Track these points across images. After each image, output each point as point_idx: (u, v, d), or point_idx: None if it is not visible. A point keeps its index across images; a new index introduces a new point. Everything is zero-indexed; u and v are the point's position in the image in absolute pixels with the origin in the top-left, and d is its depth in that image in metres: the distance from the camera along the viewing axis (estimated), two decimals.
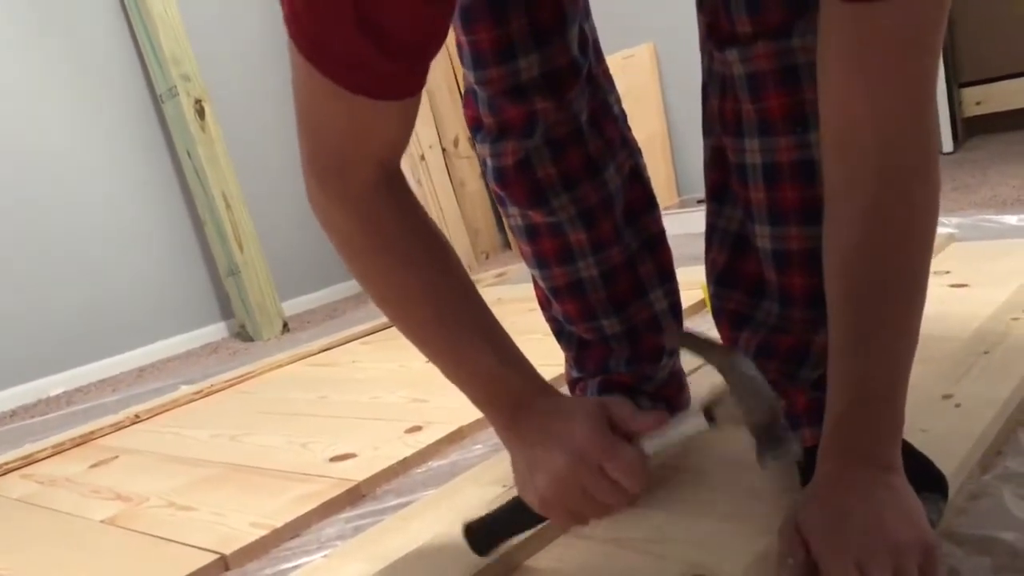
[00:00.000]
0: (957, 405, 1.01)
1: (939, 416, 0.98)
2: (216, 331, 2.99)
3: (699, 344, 0.73)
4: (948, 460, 0.84)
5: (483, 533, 0.85)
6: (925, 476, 0.78)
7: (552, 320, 1.08)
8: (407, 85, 0.66)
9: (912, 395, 0.74)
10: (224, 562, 1.06)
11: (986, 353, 1.16)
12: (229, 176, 2.82)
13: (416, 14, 0.62)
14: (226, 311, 3.00)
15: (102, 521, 1.29)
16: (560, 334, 1.07)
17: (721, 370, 0.70)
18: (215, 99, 2.81)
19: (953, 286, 1.61)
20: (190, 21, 2.79)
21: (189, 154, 2.79)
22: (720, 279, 0.96)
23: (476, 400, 0.78)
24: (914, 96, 0.63)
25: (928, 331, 1.32)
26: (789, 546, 0.69)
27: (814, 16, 0.72)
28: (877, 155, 0.64)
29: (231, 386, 2.03)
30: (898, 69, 0.61)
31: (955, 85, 4.03)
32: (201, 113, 2.75)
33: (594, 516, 0.74)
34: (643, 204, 1.03)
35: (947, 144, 4.04)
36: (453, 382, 0.78)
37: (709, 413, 0.70)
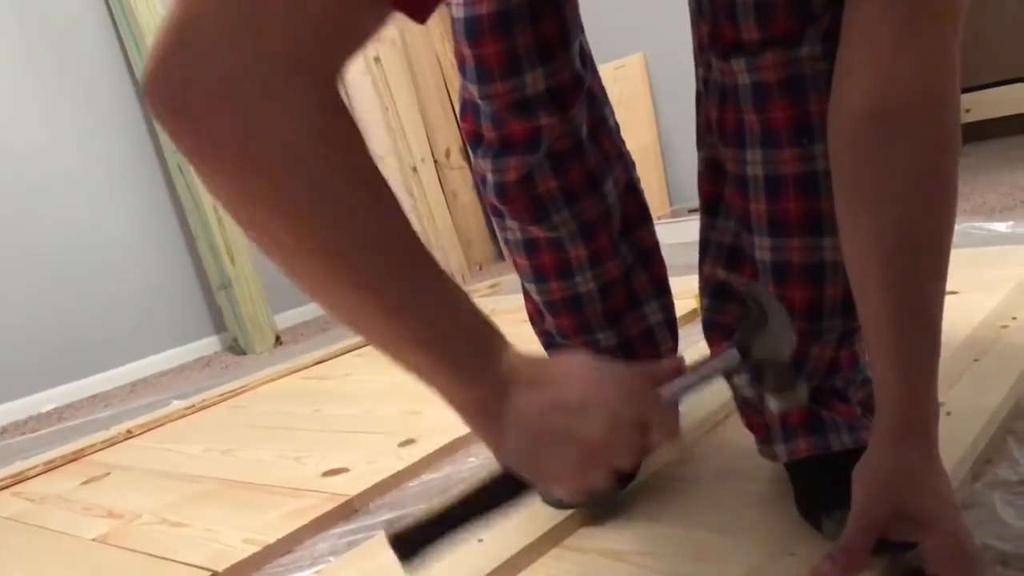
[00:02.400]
0: (948, 413, 1.01)
1: None
2: (209, 345, 2.98)
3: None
4: None
5: (409, 539, 0.70)
6: None
7: (543, 334, 1.07)
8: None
9: None
10: None
11: (976, 361, 1.16)
12: None
13: None
14: (218, 324, 2.99)
15: (94, 539, 1.28)
16: (550, 347, 1.07)
17: (752, 299, 0.72)
18: None
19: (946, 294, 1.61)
20: None
21: (181, 168, 2.79)
22: (714, 292, 0.96)
23: (445, 362, 0.61)
24: (953, 63, 0.67)
25: None
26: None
27: (821, 24, 0.72)
28: (926, 124, 0.68)
29: (224, 400, 2.02)
30: (944, 37, 0.65)
31: None
32: None
33: (606, 482, 0.64)
34: (638, 217, 1.03)
35: None
36: (406, 350, 0.62)
37: (744, 348, 0.71)
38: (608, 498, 0.97)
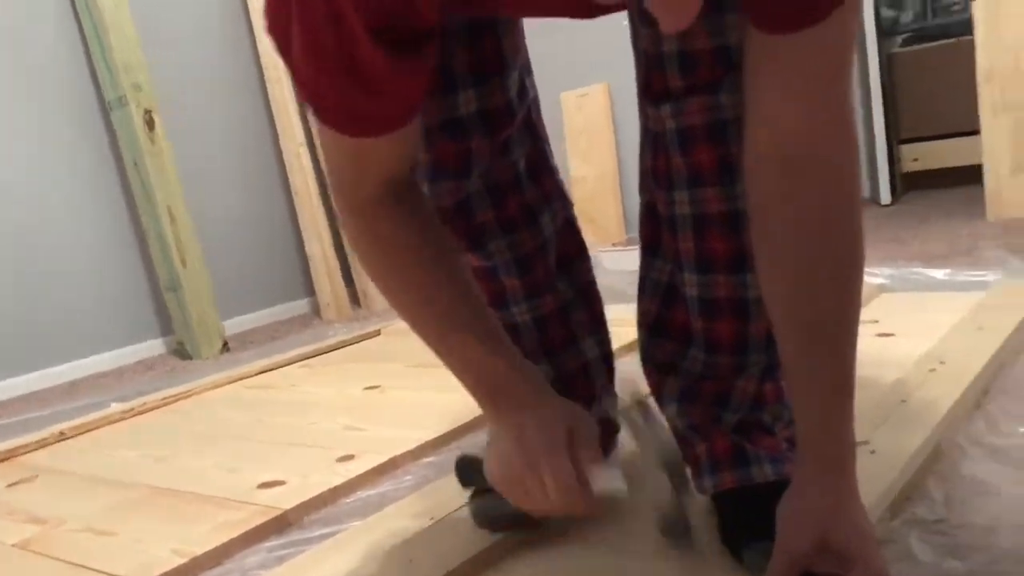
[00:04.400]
0: (872, 451, 1.04)
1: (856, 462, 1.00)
2: (153, 347, 2.93)
3: (636, 424, 0.77)
4: None
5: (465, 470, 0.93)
6: None
7: None
8: (399, 120, 0.73)
9: None
10: None
11: (903, 402, 1.20)
12: (176, 190, 2.79)
13: (392, 67, 0.67)
14: (165, 327, 2.95)
15: (14, 545, 1.25)
16: None
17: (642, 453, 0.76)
18: (165, 111, 2.78)
19: (880, 335, 1.66)
20: (144, 29, 2.77)
21: (136, 165, 2.75)
22: (651, 329, 0.98)
23: (467, 386, 0.83)
24: (840, 108, 0.71)
25: None
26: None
27: (739, 74, 0.75)
28: (822, 171, 0.71)
29: (164, 405, 1.99)
30: (826, 87, 0.69)
31: (895, 141, 4.19)
32: (151, 124, 2.72)
33: (534, 510, 0.78)
34: (576, 253, 1.05)
35: (885, 196, 4.19)
36: (450, 370, 0.83)
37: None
38: (535, 522, 0.98)
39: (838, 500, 0.75)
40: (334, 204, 0.82)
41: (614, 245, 3.13)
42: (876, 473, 0.98)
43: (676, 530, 0.77)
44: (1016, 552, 0.82)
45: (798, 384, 0.76)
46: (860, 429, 1.11)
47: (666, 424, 0.78)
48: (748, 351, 0.91)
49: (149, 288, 2.92)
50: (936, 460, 1.05)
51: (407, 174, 0.80)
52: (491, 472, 0.78)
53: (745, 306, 0.89)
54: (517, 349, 0.83)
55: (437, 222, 0.84)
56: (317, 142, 0.82)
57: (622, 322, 1.27)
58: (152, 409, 1.97)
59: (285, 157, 3.24)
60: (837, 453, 0.76)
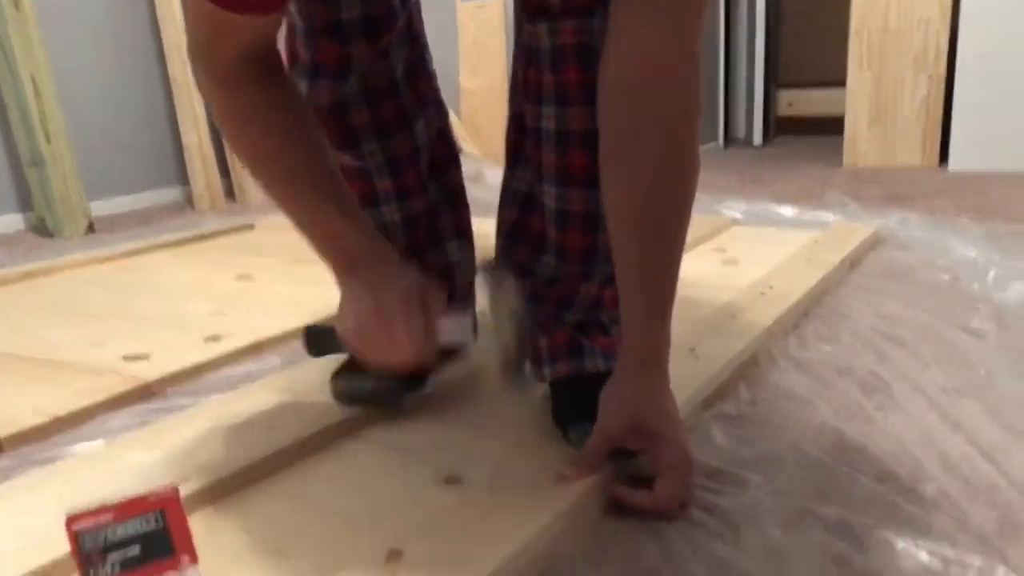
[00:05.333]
0: (696, 357, 1.18)
1: (680, 364, 1.13)
2: (12, 222, 2.80)
3: (493, 279, 0.84)
4: (677, 397, 0.98)
5: (316, 339, 0.96)
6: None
7: None
8: (273, 4, 0.75)
9: None
10: None
11: (733, 318, 1.35)
12: (42, 62, 2.63)
13: None
14: (24, 203, 2.82)
15: None
16: None
17: (492, 305, 0.81)
18: None
19: (725, 262, 1.82)
20: None
21: None
22: (509, 233, 1.06)
23: (319, 250, 0.87)
24: (692, 43, 0.79)
25: (692, 296, 1.51)
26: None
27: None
28: (665, 98, 0.79)
29: (23, 280, 1.94)
30: (685, 21, 0.77)
31: (773, 85, 4.39)
32: None
33: (386, 366, 0.84)
34: (448, 160, 1.11)
35: (758, 139, 4.40)
36: (302, 234, 0.87)
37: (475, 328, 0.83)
38: (390, 399, 1.06)
39: (651, 390, 0.86)
40: (192, 73, 0.83)
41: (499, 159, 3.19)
42: (696, 374, 1.12)
43: (512, 367, 0.85)
44: (795, 443, 0.97)
45: (626, 286, 0.85)
46: (689, 338, 1.25)
47: (515, 285, 0.85)
48: (595, 260, 1.00)
49: (8, 161, 2.78)
50: (750, 367, 1.20)
51: (269, 46, 0.82)
52: (345, 329, 0.83)
53: (596, 220, 0.97)
54: (364, 216, 0.88)
55: (298, 94, 0.87)
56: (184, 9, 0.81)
57: (491, 236, 1.34)
58: (10, 283, 1.92)
59: (165, 47, 3.10)
60: (654, 349, 0.86)
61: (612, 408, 0.87)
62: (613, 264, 0.99)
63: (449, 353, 1.19)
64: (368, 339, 0.82)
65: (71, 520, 0.64)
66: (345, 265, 0.86)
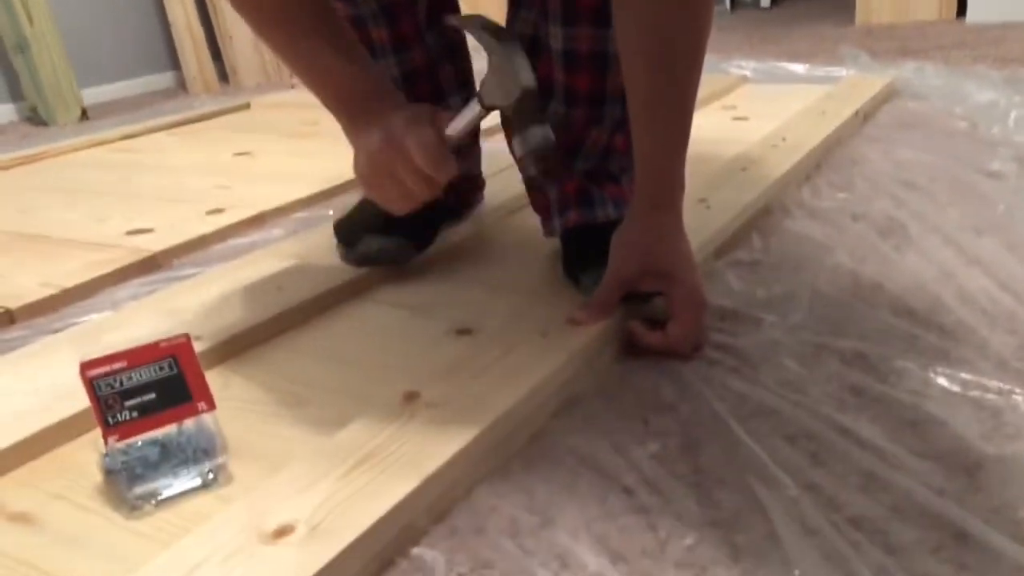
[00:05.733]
0: (708, 207, 1.15)
1: (691, 214, 1.10)
2: (4, 112, 2.75)
3: (479, 28, 0.78)
4: None
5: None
6: None
7: None
8: None
9: None
10: (10, 316, 1.06)
11: (744, 170, 1.31)
12: None
13: None
14: (15, 92, 2.75)
15: None
16: None
17: (488, 50, 0.77)
18: None
19: (735, 119, 1.77)
20: None
21: None
22: None
23: (327, 101, 0.85)
24: None
25: (703, 152, 1.47)
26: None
27: None
28: None
29: (20, 165, 1.91)
30: None
31: None
32: None
33: (404, 200, 0.82)
34: (446, 8, 1.06)
35: (765, 0, 4.24)
36: (309, 88, 0.85)
37: (480, 100, 0.78)
38: (399, 257, 1.05)
39: (664, 231, 0.84)
40: None
41: None
42: (708, 223, 1.10)
43: (544, 152, 0.79)
44: (810, 284, 0.96)
45: (639, 127, 0.82)
46: (700, 189, 1.22)
47: (521, 49, 0.78)
48: (604, 103, 0.97)
49: None
50: (763, 216, 1.18)
51: None
52: (359, 172, 0.82)
53: (604, 60, 0.93)
54: (371, 60, 0.85)
55: None
56: None
57: None
58: (8, 168, 1.89)
59: None
60: (667, 192, 0.84)
61: (624, 250, 0.85)
62: (623, 109, 0.96)
63: (462, 198, 1.17)
64: (382, 167, 0.79)
65: (85, 367, 0.63)
66: (356, 112, 0.83)
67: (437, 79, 1.08)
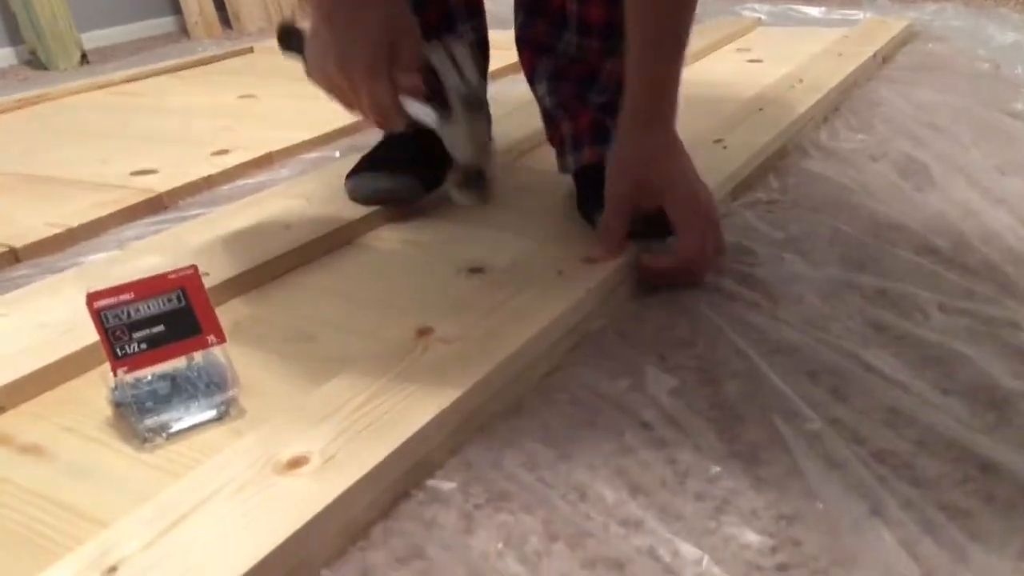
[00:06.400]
0: (724, 147, 1.13)
1: (707, 154, 1.09)
2: (4, 56, 2.70)
3: (449, 66, 0.77)
4: None
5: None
6: None
7: None
8: None
9: (690, 139, 0.84)
10: (14, 254, 1.04)
11: (760, 110, 1.28)
12: None
13: None
14: (14, 36, 2.70)
15: None
16: None
17: (451, 101, 0.77)
18: None
19: (750, 61, 1.73)
20: None
21: None
22: (528, 9, 0.99)
23: None
24: None
25: (716, 94, 1.44)
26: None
27: None
28: None
29: (21, 107, 1.88)
30: None
31: None
32: None
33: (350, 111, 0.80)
34: None
35: None
36: None
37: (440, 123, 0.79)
38: (408, 196, 1.03)
39: (656, 146, 0.82)
40: None
41: None
42: (724, 164, 1.07)
43: (471, 179, 0.83)
44: (830, 223, 0.94)
45: (638, 47, 0.79)
46: (716, 129, 1.20)
47: (474, 67, 0.79)
48: (617, 35, 0.93)
49: None
50: (780, 158, 1.15)
51: None
52: (312, 71, 0.79)
53: None
54: None
55: None
56: None
57: (502, 44, 1.25)
58: (9, 110, 1.86)
59: None
60: (660, 108, 0.81)
61: (616, 171, 0.83)
62: None
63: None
64: (334, 88, 0.77)
65: (92, 297, 0.62)
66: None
67: (448, 5, 1.05)
